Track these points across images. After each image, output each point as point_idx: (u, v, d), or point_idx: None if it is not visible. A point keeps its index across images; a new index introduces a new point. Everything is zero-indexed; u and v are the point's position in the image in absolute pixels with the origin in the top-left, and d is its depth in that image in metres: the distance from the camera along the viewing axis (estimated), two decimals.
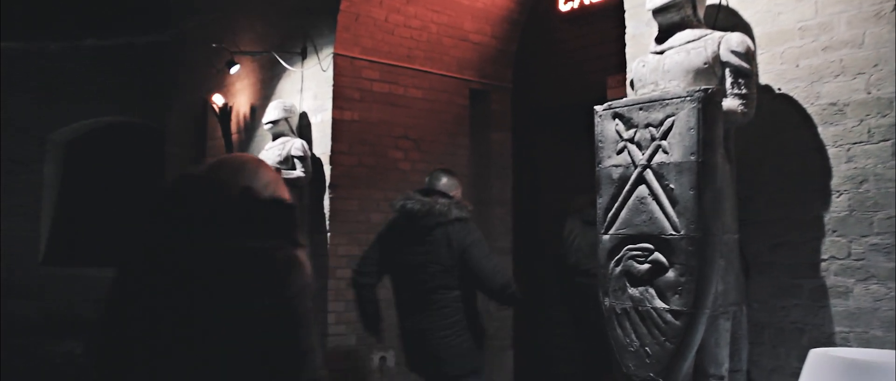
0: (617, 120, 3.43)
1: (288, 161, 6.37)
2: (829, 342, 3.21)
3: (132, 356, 1.85)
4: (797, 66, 3.40)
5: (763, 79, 3.47)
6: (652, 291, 3.25)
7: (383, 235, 4.57)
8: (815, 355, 2.80)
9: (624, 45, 4.16)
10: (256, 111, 7.47)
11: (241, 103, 7.77)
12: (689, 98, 3.12)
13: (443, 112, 7.14)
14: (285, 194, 2.09)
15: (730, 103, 3.26)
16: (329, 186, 6.41)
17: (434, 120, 7.07)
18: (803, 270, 3.33)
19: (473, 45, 7.34)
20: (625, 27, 4.17)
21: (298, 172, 6.33)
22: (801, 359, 3.30)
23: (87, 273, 10.24)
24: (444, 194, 4.36)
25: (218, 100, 7.73)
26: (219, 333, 1.81)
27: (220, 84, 8.05)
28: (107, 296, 1.94)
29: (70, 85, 10.22)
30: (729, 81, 3.31)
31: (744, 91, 3.28)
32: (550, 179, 7.85)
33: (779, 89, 3.45)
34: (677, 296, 3.15)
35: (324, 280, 6.35)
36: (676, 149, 3.15)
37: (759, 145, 3.49)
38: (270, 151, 6.52)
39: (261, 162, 2.13)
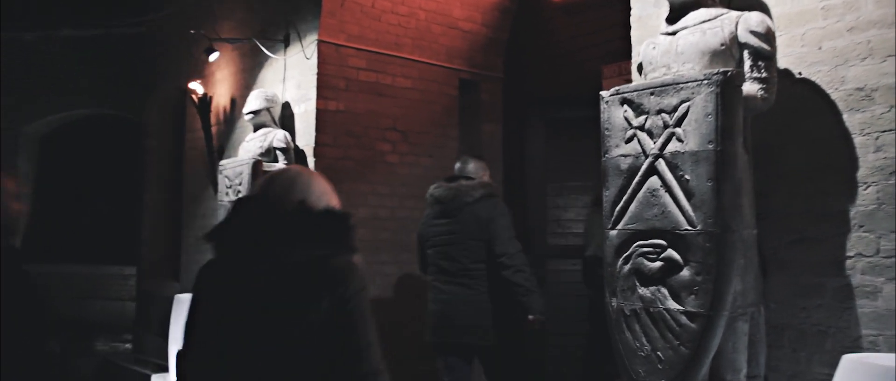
0: (625, 106, 3.17)
1: (270, 153, 6.11)
2: (855, 346, 2.97)
3: (209, 364, 2.11)
4: (820, 48, 3.15)
5: (782, 62, 3.22)
6: (664, 291, 3.00)
7: (421, 229, 4.94)
8: (849, 361, 2.57)
9: (621, 33, 3.92)
10: (237, 102, 7.18)
11: (221, 94, 7.47)
12: (706, 81, 2.87)
13: (432, 103, 6.88)
14: (336, 202, 2.26)
15: (748, 88, 3.01)
16: None
17: (423, 111, 6.81)
18: (827, 268, 3.09)
19: (463, 33, 7.09)
20: (624, 13, 3.94)
21: (280, 164, 6.06)
22: (825, 364, 3.07)
23: (62, 270, 9.98)
24: (468, 178, 4.75)
25: (197, 88, 7.42)
26: (283, 334, 2.02)
27: (200, 74, 7.74)
28: (188, 314, 2.22)
29: (44, 77, 9.93)
30: (747, 63, 3.06)
31: (764, 75, 3.03)
32: (543, 172, 7.59)
33: (799, 74, 3.21)
34: (693, 297, 2.90)
35: None
36: (692, 137, 2.90)
37: (779, 134, 3.24)
38: (251, 143, 6.25)
39: (313, 173, 2.31)
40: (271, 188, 2.20)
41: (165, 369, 7.03)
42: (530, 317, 4.58)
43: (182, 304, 6.76)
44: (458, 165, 4.93)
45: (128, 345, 9.24)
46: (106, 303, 10.35)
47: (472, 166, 4.84)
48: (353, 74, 6.37)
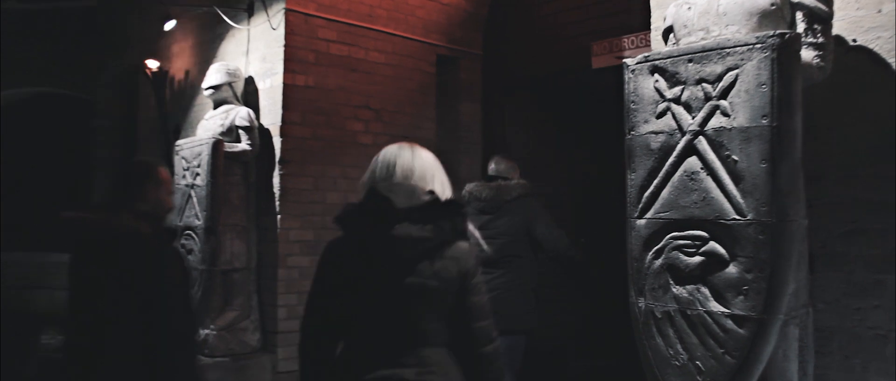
0: (656, 76, 2.74)
1: (231, 132, 5.62)
2: None
3: (332, 336, 2.38)
4: (879, 11, 2.75)
5: (833, 29, 2.81)
6: (705, 290, 2.58)
7: None
8: None
9: (611, 7, 3.48)
10: (195, 76, 6.64)
11: (178, 68, 6.93)
12: (759, 46, 2.45)
13: (407, 80, 6.45)
14: (450, 187, 2.47)
15: (803, 55, 2.59)
16: (279, 162, 5.66)
17: (398, 88, 6.37)
18: (886, 263, 2.70)
19: (441, 6, 6.66)
20: None
21: (243, 144, 5.60)
22: (883, 373, 2.67)
23: (5, 258, 9.41)
24: (505, 178, 5.02)
25: (151, 64, 6.86)
26: (406, 308, 2.28)
27: (155, 47, 7.18)
28: (315, 282, 2.42)
29: None
30: (801, 26, 2.66)
31: (820, 40, 2.63)
32: (526, 157, 7.17)
33: (854, 41, 2.81)
34: (741, 297, 2.48)
35: (273, 270, 5.59)
36: (742, 110, 2.48)
37: (830, 110, 2.84)
38: (211, 121, 5.75)
39: (437, 162, 2.46)
40: (407, 174, 2.36)
41: None
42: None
43: None
44: (492, 165, 5.18)
45: None
46: (53, 293, 9.76)
47: (505, 166, 5.11)
48: (323, 46, 5.91)
